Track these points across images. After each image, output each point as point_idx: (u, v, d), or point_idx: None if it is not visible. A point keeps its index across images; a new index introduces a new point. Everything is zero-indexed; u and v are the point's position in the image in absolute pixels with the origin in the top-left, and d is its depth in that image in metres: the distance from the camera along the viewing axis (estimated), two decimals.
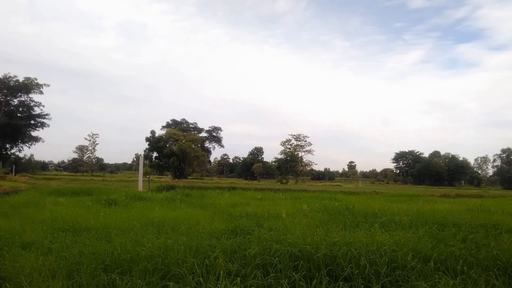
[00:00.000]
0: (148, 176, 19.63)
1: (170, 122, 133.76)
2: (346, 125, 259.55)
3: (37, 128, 75.77)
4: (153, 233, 6.85)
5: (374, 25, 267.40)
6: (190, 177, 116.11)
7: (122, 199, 12.33)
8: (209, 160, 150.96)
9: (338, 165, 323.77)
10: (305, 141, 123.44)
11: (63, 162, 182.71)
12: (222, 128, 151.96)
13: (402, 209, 9.88)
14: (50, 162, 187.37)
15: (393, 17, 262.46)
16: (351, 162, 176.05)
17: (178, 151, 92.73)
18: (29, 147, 77.84)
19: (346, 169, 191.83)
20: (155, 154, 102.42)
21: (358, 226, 7.62)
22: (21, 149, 77.55)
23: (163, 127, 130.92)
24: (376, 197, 20.94)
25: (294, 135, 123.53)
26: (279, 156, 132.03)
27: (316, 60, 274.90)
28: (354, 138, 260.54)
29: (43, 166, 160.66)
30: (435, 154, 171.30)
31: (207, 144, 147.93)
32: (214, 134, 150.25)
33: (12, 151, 75.89)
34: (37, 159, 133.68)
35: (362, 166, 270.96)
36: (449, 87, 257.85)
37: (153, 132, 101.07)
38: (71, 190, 15.37)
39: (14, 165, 62.06)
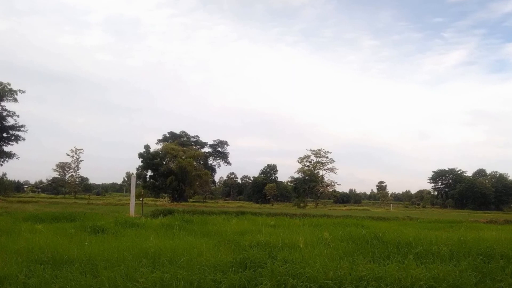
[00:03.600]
0: (141, 199, 19.71)
1: (168, 135, 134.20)
2: (375, 138, 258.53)
3: (11, 142, 74.89)
4: (148, 266, 6.83)
5: (408, 20, 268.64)
6: (191, 200, 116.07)
7: (111, 225, 12.34)
8: (214, 180, 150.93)
9: (366, 186, 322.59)
10: (327, 157, 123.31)
11: (41, 182, 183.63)
12: (228, 142, 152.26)
13: (441, 238, 9.79)
14: (26, 182, 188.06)
15: (431, 11, 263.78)
16: (380, 182, 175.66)
17: (177, 169, 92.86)
18: (1, 165, 76.86)
19: (375, 190, 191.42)
20: (149, 173, 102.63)
21: (389, 258, 7.57)
22: None
23: (159, 141, 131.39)
24: (410, 224, 20.83)
25: (314, 151, 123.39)
26: (296, 175, 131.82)
27: (340, 62, 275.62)
28: (385, 154, 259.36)
29: (18, 187, 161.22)
30: (480, 172, 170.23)
31: (211, 161, 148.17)
32: (219, 149, 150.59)
33: None
34: (10, 179, 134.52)
35: (394, 187, 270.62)
36: (497, 94, 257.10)
37: (147, 147, 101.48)
38: (50, 215, 15.43)
39: None
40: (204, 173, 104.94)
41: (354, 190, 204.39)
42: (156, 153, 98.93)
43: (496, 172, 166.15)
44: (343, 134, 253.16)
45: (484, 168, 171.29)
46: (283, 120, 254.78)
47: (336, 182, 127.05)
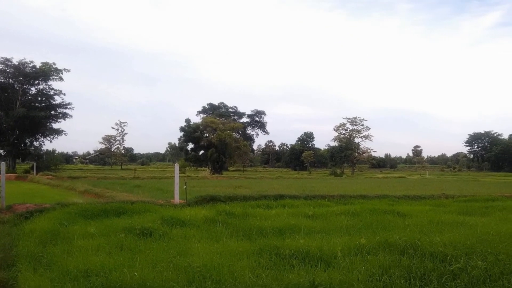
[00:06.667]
0: (185, 187, 20.00)
1: (207, 107, 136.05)
2: (411, 102, 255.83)
3: (59, 120, 77.50)
4: None
5: None
6: (231, 169, 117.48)
7: (158, 225, 12.62)
8: (252, 149, 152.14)
9: (402, 150, 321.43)
10: (362, 125, 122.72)
11: (88, 153, 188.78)
12: (265, 112, 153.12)
13: (474, 242, 9.65)
14: (75, 154, 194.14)
15: None
16: (416, 146, 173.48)
17: (217, 142, 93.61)
18: (50, 141, 79.54)
19: (411, 154, 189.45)
20: (191, 146, 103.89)
21: (424, 277, 7.56)
22: (42, 143, 79.77)
23: (199, 112, 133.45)
24: (446, 205, 20.53)
25: (349, 119, 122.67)
26: (332, 143, 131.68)
27: (377, 26, 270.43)
28: (421, 118, 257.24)
29: (67, 158, 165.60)
30: None
31: (249, 131, 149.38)
32: (257, 119, 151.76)
33: (33, 147, 78.37)
34: (60, 151, 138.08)
35: (430, 151, 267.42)
36: None
37: (188, 121, 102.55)
38: (101, 209, 15.76)
39: (35, 162, 64.67)
40: (243, 144, 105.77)
41: (389, 155, 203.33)
42: (196, 126, 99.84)
43: None
44: (379, 99, 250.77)
45: None
46: (319, 86, 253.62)
47: (372, 149, 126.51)
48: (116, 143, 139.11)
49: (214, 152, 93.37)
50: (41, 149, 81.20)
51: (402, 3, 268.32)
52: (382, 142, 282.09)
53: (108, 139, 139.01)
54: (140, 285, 7.04)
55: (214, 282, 7.25)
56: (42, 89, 75.80)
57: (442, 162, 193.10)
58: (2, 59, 70.94)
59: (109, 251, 9.65)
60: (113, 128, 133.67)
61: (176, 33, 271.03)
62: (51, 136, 77.89)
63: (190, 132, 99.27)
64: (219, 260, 8.50)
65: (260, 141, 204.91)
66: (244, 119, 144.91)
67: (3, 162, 18.95)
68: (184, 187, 20.61)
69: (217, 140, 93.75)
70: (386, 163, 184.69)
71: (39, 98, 76.26)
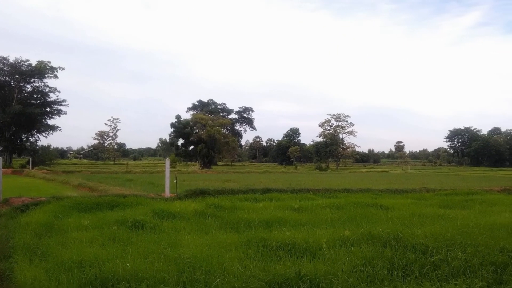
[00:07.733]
0: (175, 181, 19.95)
1: (196, 104, 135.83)
2: (393, 100, 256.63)
3: (54, 116, 77.58)
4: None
5: None
6: (220, 163, 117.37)
7: (149, 218, 12.55)
8: (240, 144, 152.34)
9: (384, 145, 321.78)
10: (346, 121, 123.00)
11: (82, 148, 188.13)
12: (253, 109, 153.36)
13: (454, 234, 9.71)
14: (69, 149, 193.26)
15: None
16: (398, 142, 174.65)
17: (206, 138, 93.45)
18: (46, 137, 79.72)
19: (393, 149, 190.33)
20: (181, 141, 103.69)
21: (406, 268, 7.60)
22: (38, 139, 79.72)
23: (189, 109, 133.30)
24: (427, 198, 20.62)
25: (334, 115, 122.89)
26: (318, 139, 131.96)
27: (360, 26, 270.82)
28: (403, 114, 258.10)
29: (62, 153, 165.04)
30: (495, 131, 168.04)
31: (237, 127, 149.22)
32: (245, 115, 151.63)
33: (29, 142, 78.52)
34: (55, 146, 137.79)
35: (412, 146, 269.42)
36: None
37: (178, 117, 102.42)
38: (94, 203, 15.64)
39: (31, 157, 64.57)
40: (231, 140, 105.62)
41: (373, 150, 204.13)
42: (186, 123, 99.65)
43: (511, 130, 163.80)
44: (362, 96, 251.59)
45: (499, 127, 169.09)
46: (305, 84, 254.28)
47: (355, 145, 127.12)
48: (109, 138, 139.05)
49: (204, 147, 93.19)
50: (37, 145, 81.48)
51: (384, 3, 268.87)
52: (365, 138, 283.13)
53: (101, 135, 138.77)
54: (132, 276, 7.01)
55: (203, 272, 7.22)
56: (37, 87, 75.89)
57: (423, 157, 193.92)
58: None
59: (102, 243, 9.60)
60: (106, 124, 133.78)
61: (167, 32, 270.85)
62: (46, 132, 78.00)
63: (180, 128, 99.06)
64: (208, 251, 8.48)
65: (248, 136, 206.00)
66: (233, 116, 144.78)
67: (0, 157, 18.88)
68: (175, 181, 20.53)
69: (207, 135, 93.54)
70: (370, 158, 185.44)
71: (35, 95, 76.36)
